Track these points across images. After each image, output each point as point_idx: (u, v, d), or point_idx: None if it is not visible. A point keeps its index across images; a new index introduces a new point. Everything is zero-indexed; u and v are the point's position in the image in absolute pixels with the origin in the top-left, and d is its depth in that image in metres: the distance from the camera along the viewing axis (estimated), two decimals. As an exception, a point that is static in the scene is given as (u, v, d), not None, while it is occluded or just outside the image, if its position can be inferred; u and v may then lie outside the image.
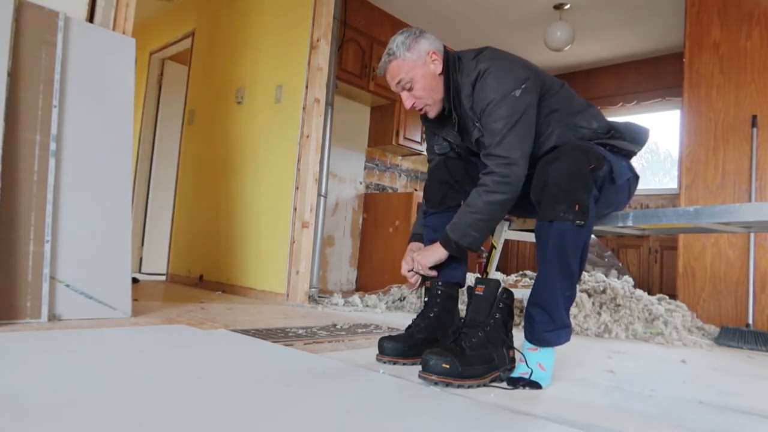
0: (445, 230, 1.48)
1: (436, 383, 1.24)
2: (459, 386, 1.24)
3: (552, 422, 1.00)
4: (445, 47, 1.55)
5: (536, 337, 1.33)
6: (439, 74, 1.51)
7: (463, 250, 1.48)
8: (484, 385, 1.29)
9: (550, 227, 1.30)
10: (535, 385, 1.29)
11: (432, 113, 1.56)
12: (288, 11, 3.37)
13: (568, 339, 1.35)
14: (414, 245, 1.66)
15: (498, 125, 1.40)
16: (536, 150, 1.48)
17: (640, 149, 1.60)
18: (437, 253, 1.50)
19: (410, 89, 1.51)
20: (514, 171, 1.39)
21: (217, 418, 0.88)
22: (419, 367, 1.29)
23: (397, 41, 1.51)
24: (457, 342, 1.34)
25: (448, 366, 1.24)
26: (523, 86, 1.42)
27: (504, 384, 1.33)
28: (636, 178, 1.60)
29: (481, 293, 1.38)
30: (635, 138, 1.56)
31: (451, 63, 1.51)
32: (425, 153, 4.94)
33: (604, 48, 4.96)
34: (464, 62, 1.50)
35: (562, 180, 1.30)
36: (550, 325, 1.32)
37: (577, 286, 1.39)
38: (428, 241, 1.63)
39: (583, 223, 1.29)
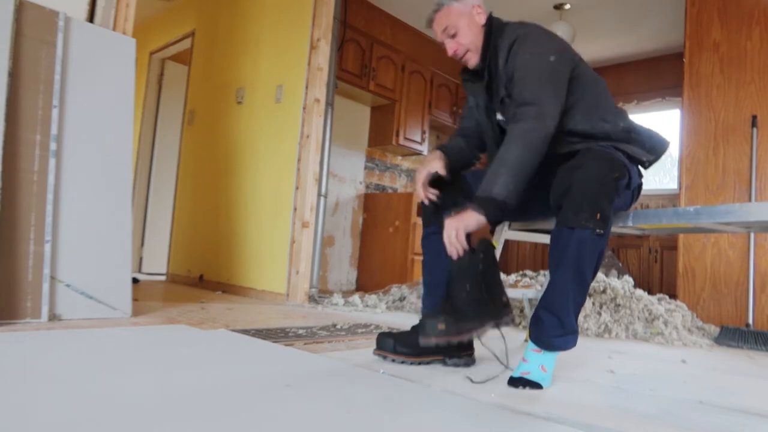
0: (477, 194, 1.38)
1: (436, 345, 1.28)
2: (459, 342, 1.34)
3: (552, 422, 1.00)
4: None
5: (545, 341, 1.33)
6: (482, 26, 1.57)
7: (498, 208, 1.37)
8: (485, 332, 1.33)
9: (571, 234, 1.29)
10: (536, 386, 1.30)
11: (473, 61, 1.59)
12: (288, 11, 3.37)
13: (574, 344, 1.35)
14: (435, 152, 1.63)
15: (529, 79, 1.42)
16: (558, 126, 1.47)
17: (654, 160, 1.58)
18: (477, 216, 1.37)
19: (454, 35, 1.56)
20: (545, 122, 1.38)
21: (217, 417, 0.88)
22: (419, 367, 1.29)
23: None
24: (448, 299, 1.36)
25: (443, 326, 1.28)
26: (558, 54, 1.45)
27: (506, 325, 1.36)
28: (641, 185, 1.62)
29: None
30: (654, 147, 1.56)
31: (495, 24, 1.58)
32: (425, 153, 4.96)
33: (604, 48, 4.96)
34: (507, 27, 1.56)
35: (587, 188, 1.29)
36: (559, 330, 1.32)
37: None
38: (433, 274, 1.61)
39: (602, 232, 1.29)
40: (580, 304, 1.34)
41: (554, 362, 1.35)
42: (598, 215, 1.28)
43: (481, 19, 1.58)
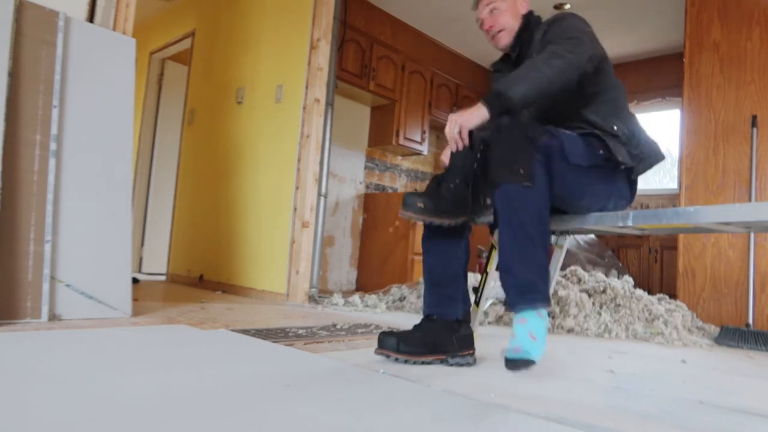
0: (490, 91, 1.45)
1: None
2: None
3: (552, 422, 1.00)
4: None
5: (510, 301, 1.37)
6: (523, 15, 1.70)
7: (504, 108, 1.42)
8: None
9: (498, 191, 1.37)
10: (529, 363, 1.31)
11: (503, 41, 1.70)
12: (288, 11, 3.37)
13: (544, 304, 1.36)
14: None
15: (567, 32, 1.52)
16: (574, 106, 1.57)
17: (641, 170, 1.63)
18: (480, 112, 1.43)
19: (494, 14, 1.69)
20: (582, 56, 1.45)
21: (217, 417, 0.88)
22: (420, 367, 1.30)
23: None
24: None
25: (422, 205, 1.42)
26: (594, 34, 1.56)
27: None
28: (629, 197, 1.66)
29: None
30: (646, 158, 1.61)
31: (533, 19, 1.70)
32: (425, 153, 4.96)
33: (604, 48, 4.95)
34: (549, 21, 1.65)
35: (502, 148, 1.40)
36: (519, 287, 1.35)
37: (546, 252, 1.41)
38: (434, 274, 1.63)
39: (529, 184, 1.34)
40: (536, 262, 1.35)
41: (543, 328, 1.36)
42: (521, 170, 1.35)
43: (523, 9, 1.72)
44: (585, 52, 1.46)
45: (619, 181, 1.61)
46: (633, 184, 1.67)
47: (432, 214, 1.43)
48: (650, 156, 1.63)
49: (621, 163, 1.54)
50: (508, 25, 1.69)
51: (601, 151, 1.53)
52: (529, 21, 1.69)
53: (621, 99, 1.66)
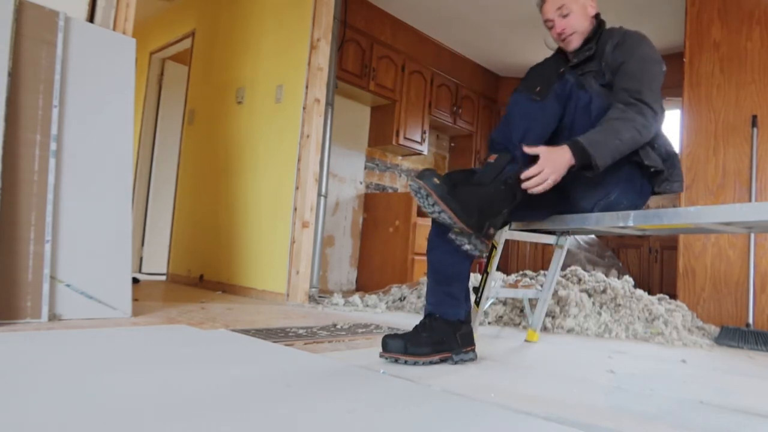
0: (579, 140, 1.46)
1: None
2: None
3: (552, 422, 1.00)
4: None
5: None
6: (592, 17, 1.72)
7: (586, 166, 1.47)
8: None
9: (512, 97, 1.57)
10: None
11: (574, 43, 1.71)
12: (288, 11, 3.37)
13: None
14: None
15: (647, 78, 1.55)
16: None
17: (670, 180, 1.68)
18: (565, 160, 1.46)
19: (566, 16, 1.69)
20: (657, 123, 1.54)
21: (217, 418, 0.88)
22: (420, 367, 1.29)
23: None
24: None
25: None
26: (664, 66, 1.61)
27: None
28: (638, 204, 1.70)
29: (492, 161, 1.49)
30: (670, 177, 1.65)
31: (602, 22, 1.74)
32: (425, 153, 4.96)
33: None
34: (613, 30, 1.71)
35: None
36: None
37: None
38: (438, 272, 1.64)
39: (538, 98, 1.51)
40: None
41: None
42: (537, 88, 1.52)
43: (593, 11, 1.73)
44: (654, 127, 1.53)
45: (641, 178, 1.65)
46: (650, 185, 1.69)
47: (441, 198, 1.36)
48: (672, 176, 1.67)
49: (651, 166, 1.59)
50: (581, 27, 1.70)
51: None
52: (599, 24, 1.72)
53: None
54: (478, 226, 1.41)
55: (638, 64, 1.57)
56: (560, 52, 1.82)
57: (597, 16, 1.74)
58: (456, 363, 1.52)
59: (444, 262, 1.60)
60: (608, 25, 1.75)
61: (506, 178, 1.46)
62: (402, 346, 1.48)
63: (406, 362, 1.47)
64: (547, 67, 1.74)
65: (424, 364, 1.48)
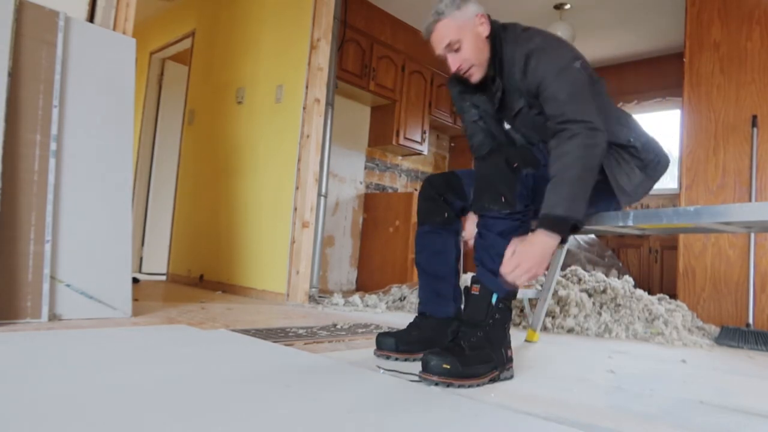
0: (545, 214, 1.33)
1: (437, 383, 1.24)
2: (460, 386, 1.24)
3: (552, 422, 1.00)
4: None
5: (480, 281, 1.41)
6: (486, 38, 1.49)
7: (573, 227, 1.36)
8: (483, 385, 1.29)
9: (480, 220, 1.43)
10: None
11: (477, 76, 1.51)
12: (288, 11, 3.37)
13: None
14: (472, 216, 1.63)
15: (565, 93, 1.38)
16: None
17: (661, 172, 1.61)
18: (547, 245, 1.32)
19: (458, 50, 1.47)
20: (599, 136, 1.36)
21: (217, 418, 0.88)
22: (418, 365, 1.29)
23: (444, 1, 1.47)
24: (456, 342, 1.34)
25: (448, 366, 1.24)
26: (579, 62, 1.43)
27: (504, 380, 1.35)
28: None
29: (477, 293, 1.39)
30: (653, 159, 1.57)
31: (498, 33, 1.50)
32: (425, 153, 4.96)
33: (605, 48, 4.96)
34: (509, 32, 1.50)
35: (486, 177, 1.41)
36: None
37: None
38: (426, 272, 1.65)
39: (509, 211, 1.37)
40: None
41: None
42: (503, 198, 1.37)
43: (485, 30, 1.49)
44: (599, 132, 1.36)
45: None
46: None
47: (460, 377, 1.26)
48: (661, 157, 1.60)
49: (621, 188, 1.51)
50: (478, 58, 1.48)
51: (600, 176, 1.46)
52: (495, 41, 1.49)
53: (607, 98, 1.55)
54: (500, 361, 1.35)
55: (551, 83, 1.39)
56: (462, 82, 1.60)
57: (492, 32, 1.50)
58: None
59: (432, 263, 1.64)
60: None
61: (497, 307, 1.37)
62: (393, 344, 1.53)
63: (396, 359, 1.52)
64: (492, 163, 1.46)
65: (415, 360, 1.49)
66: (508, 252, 1.33)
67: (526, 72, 1.44)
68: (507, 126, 1.60)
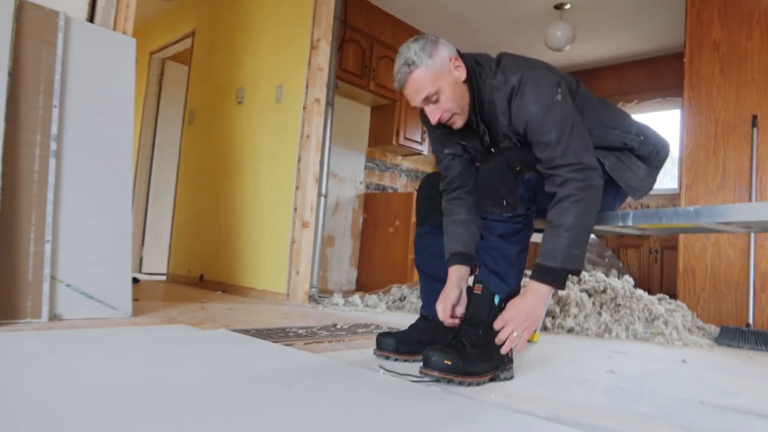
0: (538, 264, 1.32)
1: (438, 379, 1.24)
2: (460, 383, 1.24)
3: (552, 422, 1.00)
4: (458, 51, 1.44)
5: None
6: (464, 81, 1.40)
7: (568, 277, 1.34)
8: (483, 383, 1.29)
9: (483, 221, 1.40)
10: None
11: (459, 123, 1.44)
12: (288, 11, 3.37)
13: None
14: (455, 277, 1.52)
15: (553, 136, 1.32)
16: None
17: (660, 164, 1.59)
18: (539, 297, 1.31)
19: (436, 101, 1.38)
20: (592, 174, 1.33)
21: (217, 418, 0.88)
22: (418, 366, 1.29)
23: (413, 49, 1.36)
24: (458, 339, 1.34)
25: (450, 362, 1.24)
26: (559, 90, 1.36)
27: (504, 380, 1.34)
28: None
29: (479, 292, 1.39)
30: (652, 150, 1.55)
31: (472, 69, 1.41)
32: (425, 153, 4.96)
33: (605, 48, 4.96)
34: (485, 68, 1.42)
35: (487, 179, 1.38)
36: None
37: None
38: (427, 274, 1.65)
39: (511, 215, 1.35)
40: (516, 268, 1.39)
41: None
42: (504, 201, 1.35)
43: (462, 74, 1.39)
44: (592, 172, 1.33)
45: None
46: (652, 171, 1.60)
47: (462, 373, 1.25)
48: (659, 147, 1.58)
49: (630, 185, 1.52)
50: (459, 105, 1.40)
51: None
52: (472, 82, 1.40)
53: (593, 104, 1.52)
54: (500, 361, 1.34)
55: (537, 128, 1.34)
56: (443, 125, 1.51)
57: (468, 72, 1.40)
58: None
59: (432, 265, 1.64)
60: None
61: (499, 307, 1.36)
62: (393, 345, 1.52)
63: (396, 360, 1.51)
64: (488, 166, 1.42)
65: (415, 361, 1.48)
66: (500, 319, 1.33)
67: (511, 117, 1.39)
68: None
